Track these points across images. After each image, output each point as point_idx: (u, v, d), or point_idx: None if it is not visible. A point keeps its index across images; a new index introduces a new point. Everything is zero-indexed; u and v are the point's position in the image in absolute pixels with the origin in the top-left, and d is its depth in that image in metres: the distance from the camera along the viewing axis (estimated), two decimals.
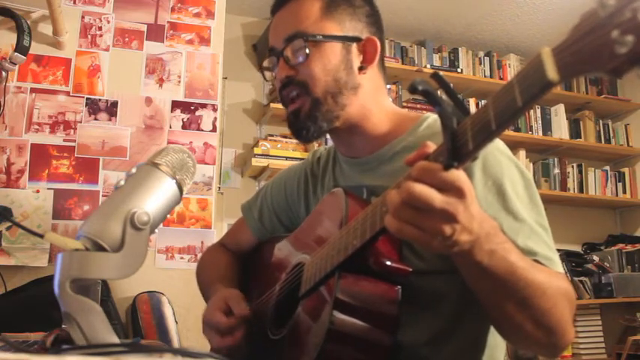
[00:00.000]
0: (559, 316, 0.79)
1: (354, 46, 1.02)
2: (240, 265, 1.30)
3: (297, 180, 1.22)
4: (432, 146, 0.68)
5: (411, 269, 0.81)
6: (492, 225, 0.72)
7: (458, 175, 0.64)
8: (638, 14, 0.43)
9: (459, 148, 0.61)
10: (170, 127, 2.34)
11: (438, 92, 0.66)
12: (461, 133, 0.61)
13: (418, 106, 3.65)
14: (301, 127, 1.01)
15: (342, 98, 1.00)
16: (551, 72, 0.50)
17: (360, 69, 1.03)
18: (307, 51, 0.99)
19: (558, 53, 0.50)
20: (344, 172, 1.11)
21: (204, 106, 2.40)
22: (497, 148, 0.94)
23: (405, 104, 3.69)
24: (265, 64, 1.10)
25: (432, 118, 1.02)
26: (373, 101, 1.04)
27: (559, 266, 0.86)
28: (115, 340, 0.62)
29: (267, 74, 1.11)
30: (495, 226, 0.73)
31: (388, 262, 0.80)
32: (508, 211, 0.87)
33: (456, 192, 0.64)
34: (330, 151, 1.19)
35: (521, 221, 0.87)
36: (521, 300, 0.77)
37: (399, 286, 0.83)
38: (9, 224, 1.89)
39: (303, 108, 1.01)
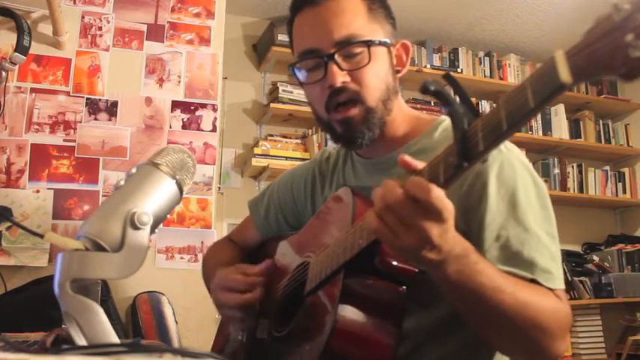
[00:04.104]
0: (539, 335, 0.79)
1: (392, 48, 1.03)
2: (246, 259, 1.30)
3: (304, 179, 1.22)
4: (422, 164, 0.70)
5: (417, 270, 0.81)
6: (464, 247, 0.74)
7: (442, 198, 0.66)
8: None
9: (469, 149, 0.62)
10: (170, 127, 2.34)
11: (450, 93, 0.66)
12: (472, 133, 0.62)
13: (418, 106, 3.65)
14: (355, 135, 0.98)
15: (389, 104, 1.00)
16: (565, 74, 0.51)
17: (397, 72, 1.04)
18: (366, 57, 0.96)
19: (572, 56, 0.51)
20: (357, 172, 1.11)
21: (204, 106, 2.40)
22: (514, 155, 0.94)
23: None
24: (301, 65, 1.01)
25: (448, 121, 1.02)
26: (399, 103, 1.05)
27: (557, 280, 0.86)
28: (115, 340, 0.62)
29: (305, 77, 1.01)
30: (467, 248, 0.74)
31: (394, 262, 0.80)
32: (518, 221, 0.88)
33: (438, 215, 0.66)
34: (341, 151, 1.18)
35: (529, 231, 0.87)
36: (493, 318, 0.78)
37: (404, 287, 0.84)
38: (9, 224, 1.89)
39: (356, 116, 0.97)
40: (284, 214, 1.25)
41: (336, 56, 0.96)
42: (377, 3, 1.02)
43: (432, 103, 3.71)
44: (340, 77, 0.96)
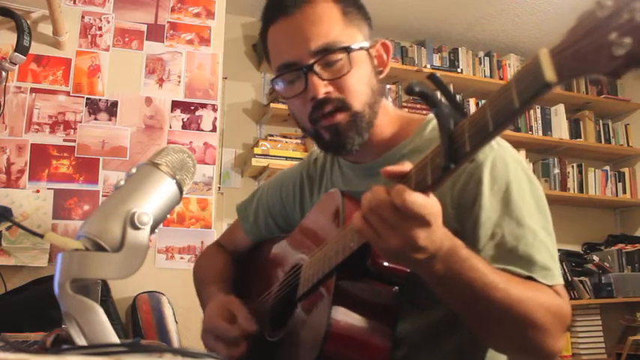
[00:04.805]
0: (533, 332, 0.79)
1: (372, 50, 1.00)
2: (236, 266, 1.29)
3: (293, 182, 1.20)
4: (409, 165, 0.70)
5: (409, 270, 0.80)
6: (453, 245, 0.73)
7: (423, 205, 0.66)
8: (636, 15, 0.42)
9: (456, 150, 0.61)
10: (170, 127, 2.34)
11: (436, 93, 0.66)
12: (458, 134, 0.61)
13: (418, 106, 3.65)
14: (344, 141, 0.95)
15: (376, 106, 0.98)
16: (549, 74, 0.50)
17: (379, 73, 1.01)
18: (347, 64, 0.93)
19: (556, 55, 0.50)
20: (345, 176, 1.09)
21: (204, 106, 2.40)
22: (507, 151, 0.93)
23: (404, 104, 3.69)
24: (282, 79, 0.98)
25: None
26: (382, 105, 1.03)
27: (556, 277, 0.85)
28: (115, 340, 0.62)
29: (287, 91, 0.98)
30: (457, 245, 0.74)
31: (386, 263, 0.80)
32: (512, 217, 0.87)
33: (420, 220, 0.66)
34: (328, 154, 1.16)
35: (524, 227, 0.86)
36: (486, 315, 0.78)
37: (396, 287, 0.83)
38: (9, 224, 1.89)
39: (342, 122, 0.94)
40: (274, 218, 1.24)
41: (315, 67, 0.92)
42: (351, 5, 0.98)
43: None
44: (322, 88, 0.92)
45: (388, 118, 1.03)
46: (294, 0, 0.96)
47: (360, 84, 0.95)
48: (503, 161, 0.91)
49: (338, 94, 0.94)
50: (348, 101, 0.94)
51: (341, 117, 0.94)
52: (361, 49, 0.96)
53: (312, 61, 0.93)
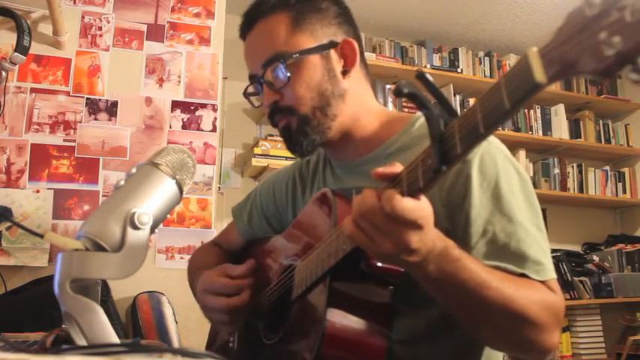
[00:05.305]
0: (528, 329, 0.79)
1: (332, 52, 1.00)
2: (230, 262, 1.29)
3: (285, 183, 1.21)
4: (400, 167, 0.69)
5: (403, 269, 0.80)
6: (445, 245, 0.74)
7: (414, 210, 0.65)
8: (625, 14, 0.42)
9: (447, 152, 0.60)
10: (170, 127, 2.34)
11: (425, 94, 0.65)
12: (449, 135, 0.60)
13: None
14: (294, 143, 1.01)
15: (331, 109, 0.99)
16: (539, 74, 0.49)
17: (344, 73, 1.01)
18: (287, 72, 0.97)
19: (545, 54, 0.49)
20: (336, 175, 1.10)
21: (204, 106, 2.40)
22: (495, 147, 0.93)
23: (404, 104, 3.69)
24: (249, 90, 1.07)
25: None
26: (361, 103, 1.03)
27: (548, 272, 0.85)
28: (115, 340, 0.62)
29: (254, 100, 1.08)
30: (448, 245, 0.74)
31: (379, 264, 0.80)
32: (502, 213, 0.87)
33: (412, 224, 0.66)
34: (320, 154, 1.17)
35: (515, 223, 0.86)
36: (480, 314, 0.78)
37: (391, 287, 0.83)
38: (9, 224, 1.89)
39: (291, 124, 1.00)
40: (267, 219, 1.25)
41: (265, 78, 1.00)
42: (307, 10, 1.01)
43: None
44: (271, 97, 1.00)
45: (373, 115, 1.04)
46: (252, 17, 1.06)
47: (306, 90, 0.98)
48: (491, 157, 0.90)
49: (286, 102, 0.99)
50: (294, 107, 0.99)
51: (291, 121, 1.00)
52: (309, 54, 0.99)
53: (262, 73, 1.00)
